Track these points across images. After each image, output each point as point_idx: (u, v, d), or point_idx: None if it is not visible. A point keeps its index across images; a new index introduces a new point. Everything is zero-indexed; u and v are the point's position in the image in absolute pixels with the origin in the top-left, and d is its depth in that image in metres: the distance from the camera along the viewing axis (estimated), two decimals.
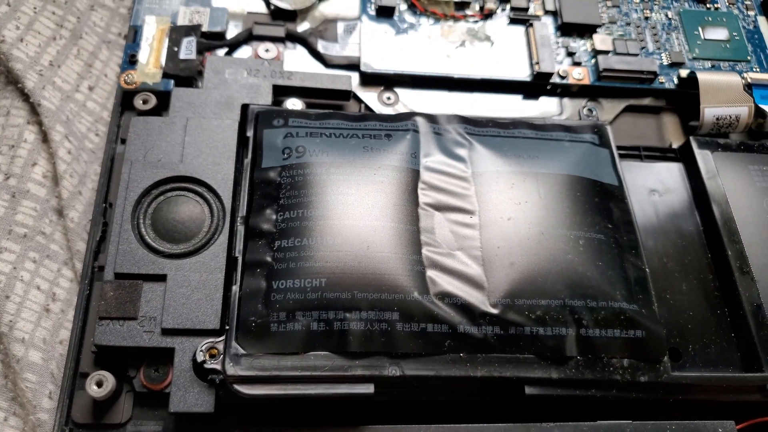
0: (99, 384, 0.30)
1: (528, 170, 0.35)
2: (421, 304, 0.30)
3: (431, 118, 0.36)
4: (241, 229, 0.32)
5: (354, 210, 0.32)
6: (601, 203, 0.34)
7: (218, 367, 0.29)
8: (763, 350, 0.33)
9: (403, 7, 0.42)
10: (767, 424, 0.33)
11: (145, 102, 0.37)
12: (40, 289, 0.32)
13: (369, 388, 0.29)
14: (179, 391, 0.30)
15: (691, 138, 0.39)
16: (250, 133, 0.35)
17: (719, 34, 0.45)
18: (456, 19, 0.42)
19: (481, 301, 0.30)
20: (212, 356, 0.30)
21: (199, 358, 0.30)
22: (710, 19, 0.45)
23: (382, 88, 0.40)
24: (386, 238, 0.31)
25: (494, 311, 0.30)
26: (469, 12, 0.43)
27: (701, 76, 0.41)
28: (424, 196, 0.33)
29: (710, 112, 0.40)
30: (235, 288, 0.30)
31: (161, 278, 0.32)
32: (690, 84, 0.41)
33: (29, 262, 0.32)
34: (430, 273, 0.31)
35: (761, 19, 0.46)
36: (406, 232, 0.32)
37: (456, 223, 0.33)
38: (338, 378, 0.29)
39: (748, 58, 0.44)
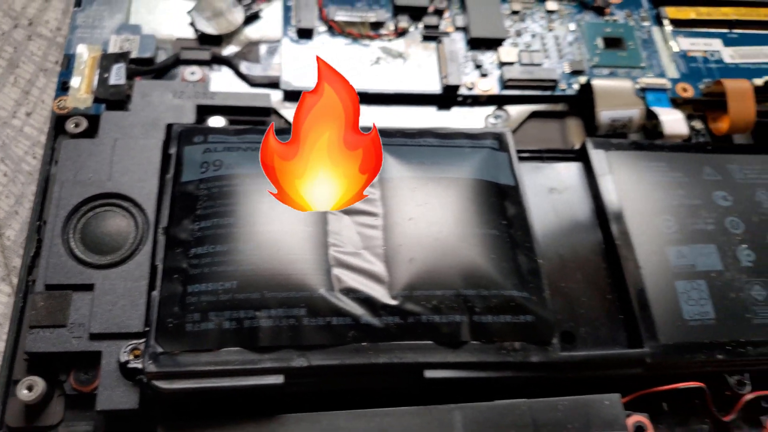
0: (29, 388, 0.32)
1: (430, 175, 0.38)
2: (326, 300, 0.33)
3: None
4: (162, 239, 0.35)
5: (266, 217, 0.34)
6: (498, 202, 0.38)
7: (140, 365, 0.32)
8: (644, 329, 0.36)
9: (322, 29, 0.46)
10: (650, 395, 0.36)
11: (76, 125, 0.40)
12: None
13: (279, 379, 0.32)
14: (106, 391, 0.32)
15: (586, 139, 0.42)
16: (172, 151, 0.38)
17: (616, 43, 0.48)
18: (371, 38, 0.46)
19: (382, 294, 0.33)
20: (136, 356, 0.32)
21: (123, 358, 0.32)
22: (609, 29, 0.49)
23: None
24: (295, 241, 0.34)
25: (394, 303, 0.33)
26: (383, 31, 0.46)
27: (596, 83, 0.44)
28: None
29: (605, 114, 0.44)
30: (155, 293, 0.33)
31: (89, 287, 0.34)
32: (589, 90, 0.45)
33: None
34: (336, 271, 0.34)
35: (655, 29, 0.50)
36: (315, 234, 0.34)
37: (362, 225, 0.36)
38: (249, 371, 0.31)
39: (642, 64, 0.48)
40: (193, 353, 0.31)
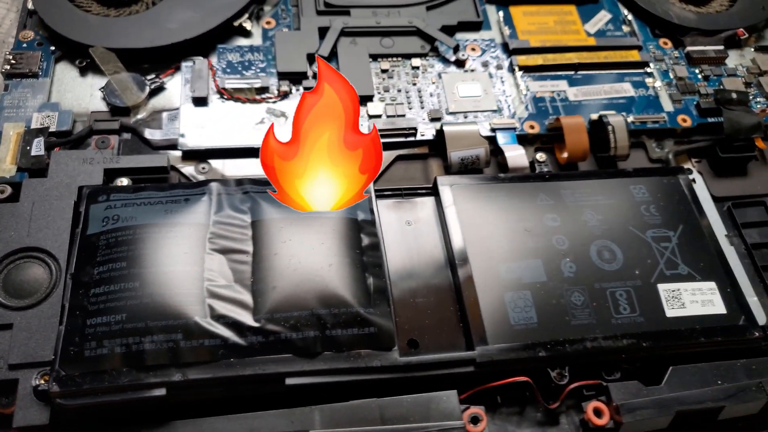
0: None
1: (295, 216, 0.45)
2: (199, 326, 0.40)
3: (224, 182, 0.47)
4: (69, 282, 0.42)
5: (151, 260, 0.42)
6: (354, 235, 0.45)
7: (47, 388, 0.39)
8: (475, 334, 0.43)
9: (215, 96, 0.54)
10: (487, 391, 0.43)
11: (1, 192, 0.47)
12: None
13: (162, 391, 0.38)
14: (21, 411, 0.39)
15: (437, 177, 0.50)
16: (82, 209, 0.45)
17: (473, 90, 0.57)
18: (257, 101, 0.54)
19: (247, 318, 0.40)
20: (45, 381, 0.39)
21: (34, 383, 0.39)
22: (467, 80, 0.57)
23: (198, 161, 0.51)
24: (175, 279, 0.41)
25: (257, 325, 0.40)
26: (268, 94, 0.54)
27: (446, 128, 0.52)
28: (211, 244, 0.43)
29: (455, 155, 0.52)
30: (61, 327, 0.40)
31: (9, 326, 0.41)
32: (441, 134, 0.53)
33: None
34: (209, 301, 0.41)
35: (508, 76, 0.58)
36: (193, 272, 0.42)
37: (234, 261, 0.43)
38: (137, 386, 0.38)
39: (496, 107, 0.56)
40: (91, 375, 0.38)
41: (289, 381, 0.40)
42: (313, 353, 0.40)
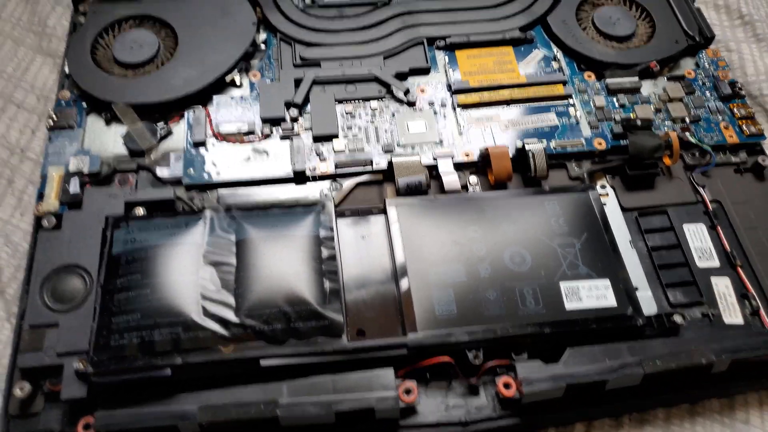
0: (21, 389, 0.53)
1: (270, 235, 0.58)
2: (195, 322, 0.53)
3: (216, 209, 0.60)
4: (99, 291, 0.56)
5: (159, 272, 0.55)
6: (315, 248, 0.58)
7: (85, 369, 0.52)
8: (408, 323, 0.55)
9: (212, 140, 0.67)
10: (420, 369, 0.55)
11: (49, 222, 0.61)
12: None
13: (167, 372, 0.52)
14: (66, 387, 0.53)
15: (386, 199, 0.62)
16: (108, 234, 0.59)
17: (421, 126, 0.69)
18: (244, 142, 0.67)
19: (231, 316, 0.54)
20: (84, 365, 0.53)
21: (75, 366, 0.53)
22: (415, 118, 0.69)
23: (198, 191, 0.65)
24: (177, 286, 0.55)
25: (238, 321, 0.53)
26: (253, 137, 0.67)
27: (394, 160, 0.64)
28: (205, 259, 0.57)
29: (402, 180, 0.64)
30: (93, 324, 0.54)
31: (56, 325, 0.55)
32: (391, 165, 0.65)
33: None
34: (202, 303, 0.54)
35: (450, 112, 0.70)
36: (190, 281, 0.55)
37: (222, 272, 0.56)
38: (149, 367, 0.52)
39: (438, 140, 0.68)
40: (116, 359, 0.52)
41: (263, 362, 0.53)
42: (281, 341, 0.53)
